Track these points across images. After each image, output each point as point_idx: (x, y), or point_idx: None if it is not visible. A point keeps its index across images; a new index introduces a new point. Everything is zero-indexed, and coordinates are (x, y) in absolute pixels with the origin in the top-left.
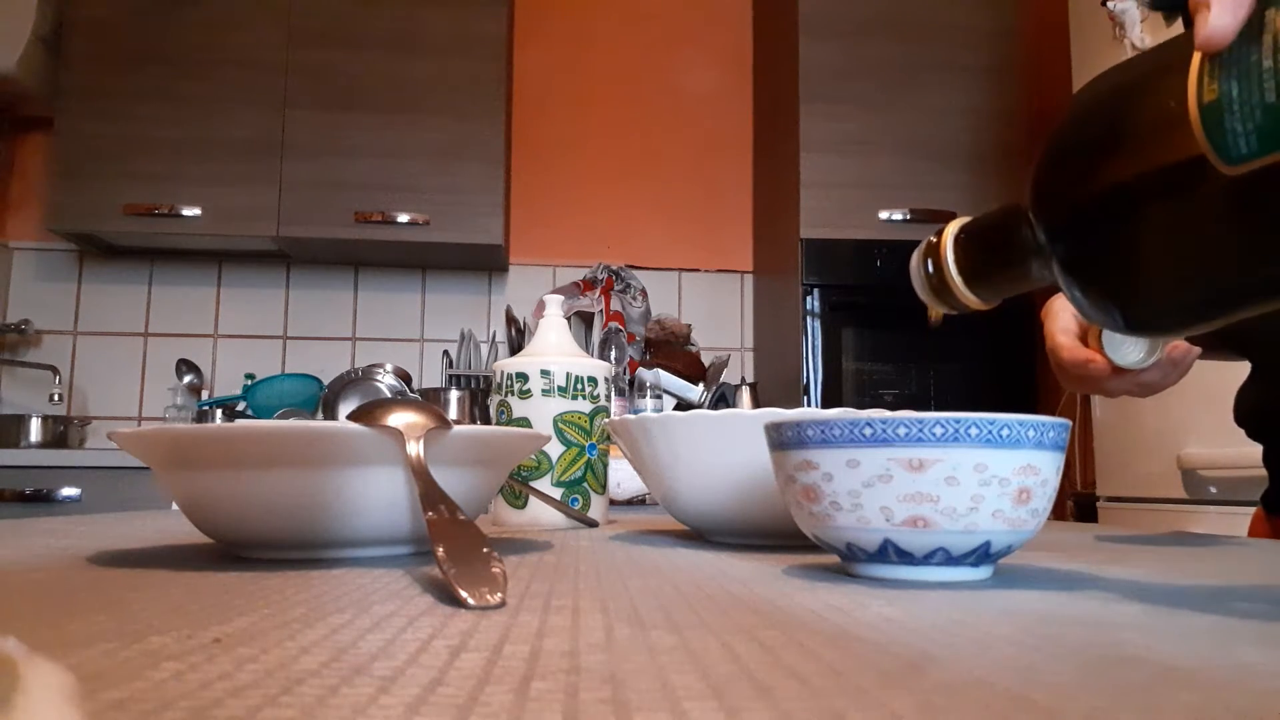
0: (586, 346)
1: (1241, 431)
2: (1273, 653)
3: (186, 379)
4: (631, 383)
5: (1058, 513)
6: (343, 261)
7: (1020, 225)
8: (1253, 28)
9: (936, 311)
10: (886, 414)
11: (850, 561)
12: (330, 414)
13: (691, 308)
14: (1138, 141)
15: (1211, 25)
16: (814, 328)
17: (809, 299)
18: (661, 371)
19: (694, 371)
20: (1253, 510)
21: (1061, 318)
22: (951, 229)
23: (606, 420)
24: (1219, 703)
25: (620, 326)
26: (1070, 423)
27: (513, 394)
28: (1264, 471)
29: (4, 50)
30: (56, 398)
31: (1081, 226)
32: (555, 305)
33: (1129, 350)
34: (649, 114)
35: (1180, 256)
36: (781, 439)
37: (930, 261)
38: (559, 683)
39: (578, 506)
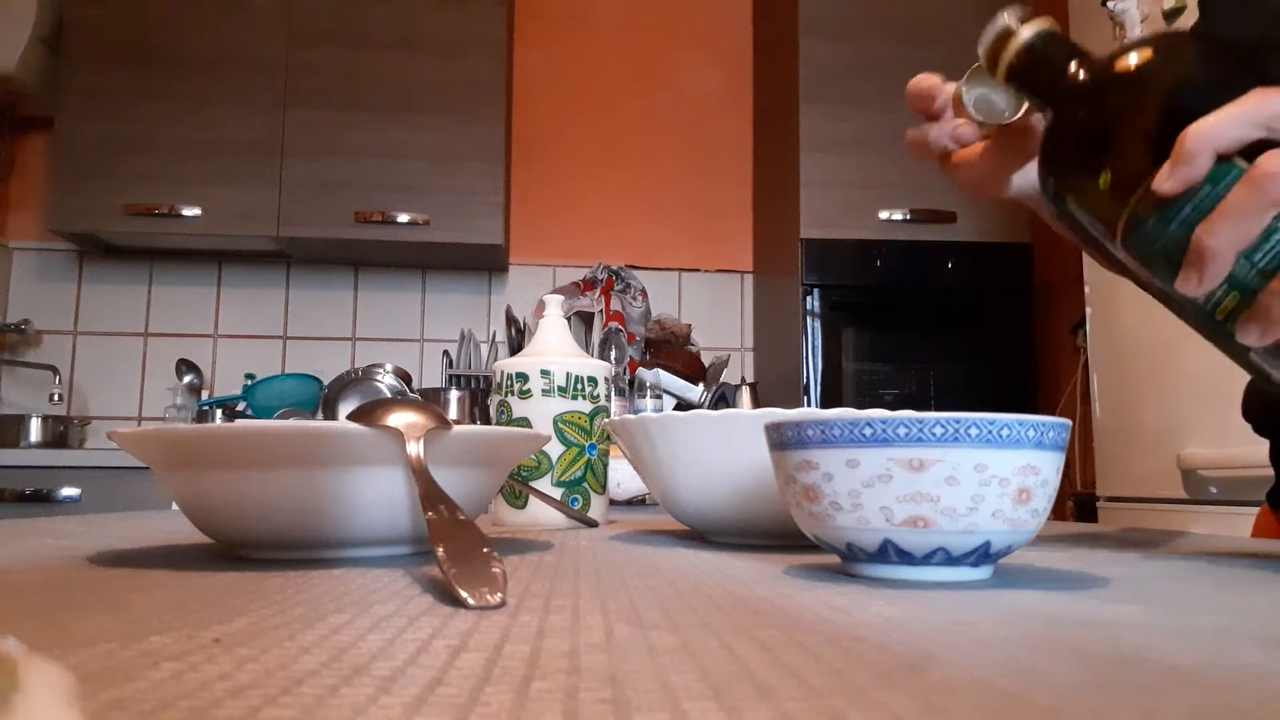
0: (586, 346)
1: (1243, 431)
2: (1273, 653)
3: (186, 379)
4: (631, 383)
5: (1058, 513)
6: (343, 261)
7: (1082, 70)
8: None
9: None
10: (886, 414)
11: (850, 561)
12: (330, 414)
13: (691, 308)
14: (1136, 141)
15: (1160, 181)
16: (814, 328)
17: (809, 299)
18: (661, 371)
19: (694, 371)
20: (1255, 509)
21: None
22: (1038, 25)
23: (606, 420)
24: (1219, 703)
25: (620, 326)
26: (1070, 423)
27: (513, 394)
28: (1266, 471)
29: (4, 50)
30: (56, 398)
31: (1086, 131)
32: (555, 305)
33: (995, 102)
34: (649, 114)
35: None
36: (781, 439)
37: (997, 38)
38: (559, 683)
39: (578, 506)
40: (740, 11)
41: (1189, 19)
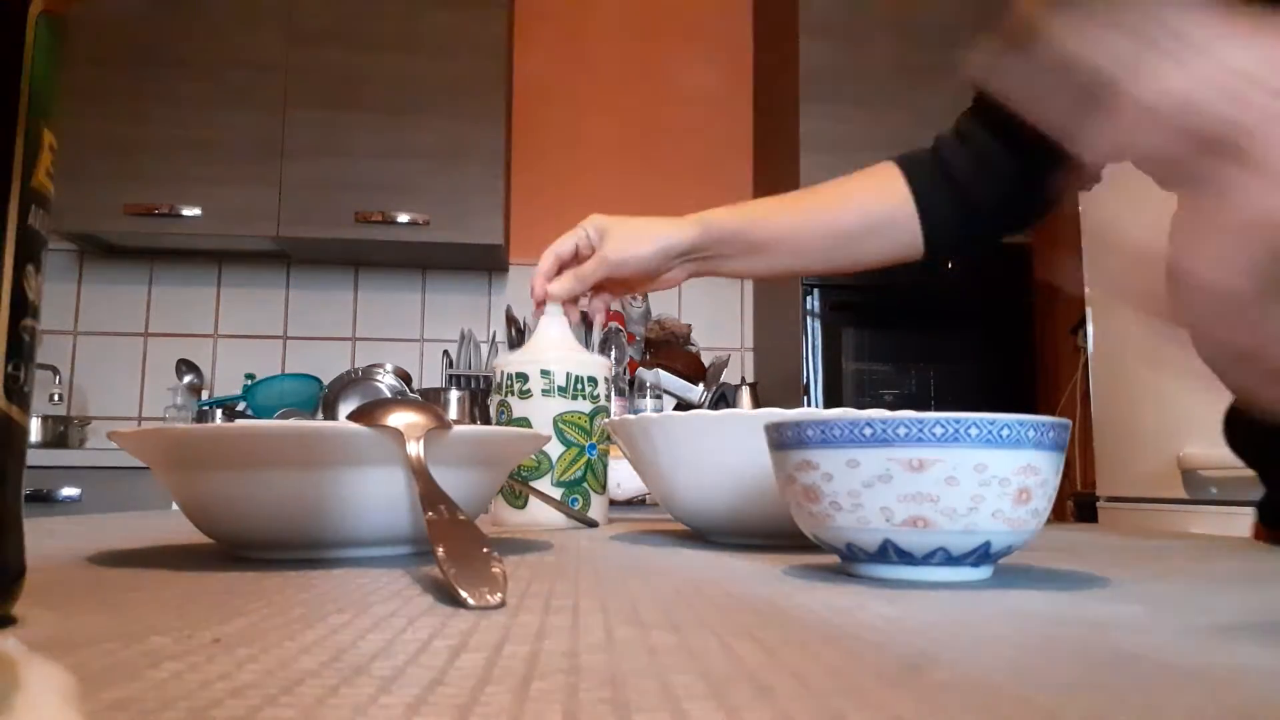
0: (586, 347)
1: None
2: (1273, 653)
3: (186, 379)
4: (631, 383)
5: (1058, 513)
6: (343, 261)
7: None
8: None
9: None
10: (886, 414)
11: (850, 561)
12: (330, 414)
13: (691, 308)
14: None
15: None
16: (814, 328)
17: (809, 299)
18: (661, 371)
19: (694, 371)
20: (1250, 512)
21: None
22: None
23: (606, 420)
24: (1219, 703)
25: (620, 326)
26: (1070, 423)
27: (513, 394)
28: None
29: None
30: (56, 398)
31: None
32: (555, 302)
33: None
34: (649, 114)
35: None
36: (781, 439)
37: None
38: (559, 683)
39: (578, 506)
40: (740, 11)
41: None
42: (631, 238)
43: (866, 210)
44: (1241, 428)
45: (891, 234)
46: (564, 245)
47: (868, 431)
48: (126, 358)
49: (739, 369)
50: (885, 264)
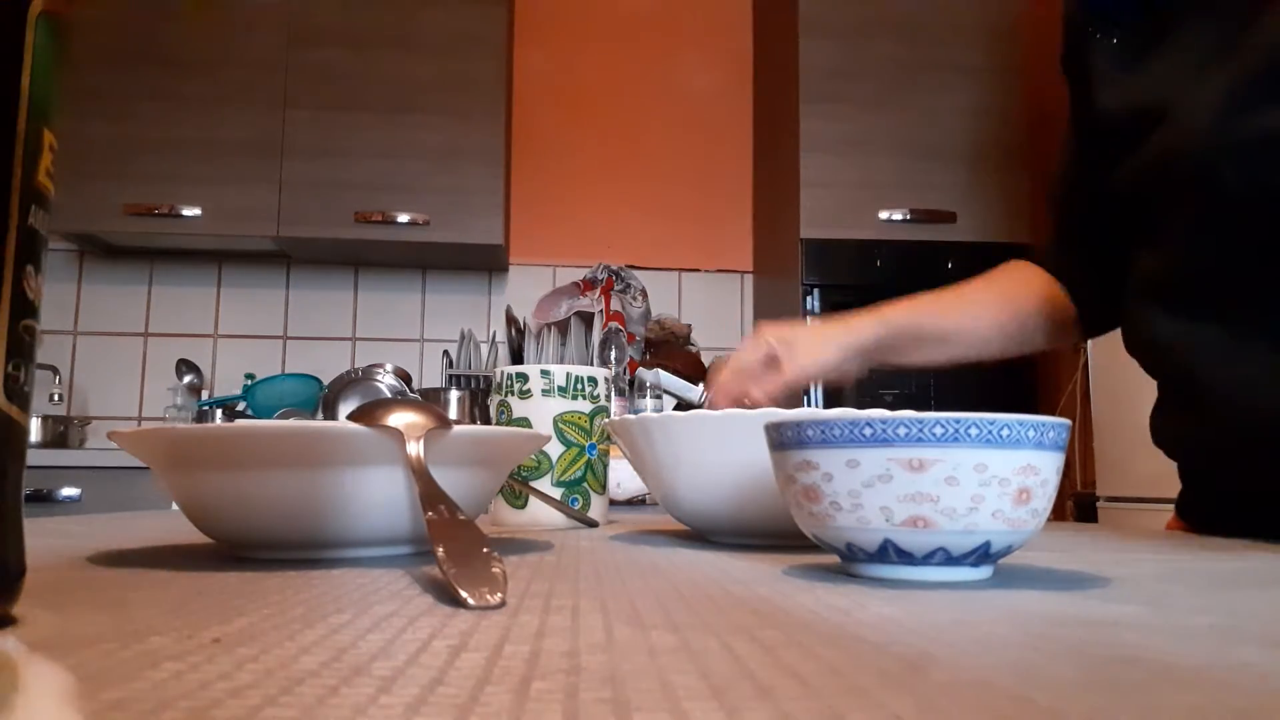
0: (586, 346)
1: None
2: (1273, 653)
3: (186, 379)
4: (631, 383)
5: (1058, 513)
6: (343, 261)
7: None
8: None
9: None
10: (886, 414)
11: (850, 561)
12: (330, 414)
13: (691, 308)
14: None
15: None
16: None
17: (809, 299)
18: (661, 371)
19: (694, 371)
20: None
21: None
22: None
23: (606, 420)
24: (1219, 703)
25: (620, 326)
26: (1070, 423)
27: (513, 394)
28: None
29: None
30: (56, 398)
31: None
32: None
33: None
34: (649, 114)
35: None
36: (781, 439)
37: None
38: (559, 683)
39: (578, 506)
40: (740, 11)
41: None
42: (817, 347)
43: (1035, 298)
44: (1165, 425)
45: (1055, 320)
46: (747, 360)
47: (868, 431)
48: (126, 358)
49: None
50: (1053, 348)
